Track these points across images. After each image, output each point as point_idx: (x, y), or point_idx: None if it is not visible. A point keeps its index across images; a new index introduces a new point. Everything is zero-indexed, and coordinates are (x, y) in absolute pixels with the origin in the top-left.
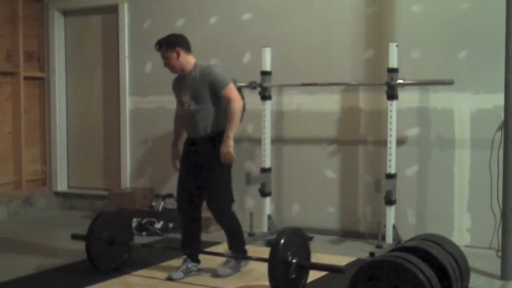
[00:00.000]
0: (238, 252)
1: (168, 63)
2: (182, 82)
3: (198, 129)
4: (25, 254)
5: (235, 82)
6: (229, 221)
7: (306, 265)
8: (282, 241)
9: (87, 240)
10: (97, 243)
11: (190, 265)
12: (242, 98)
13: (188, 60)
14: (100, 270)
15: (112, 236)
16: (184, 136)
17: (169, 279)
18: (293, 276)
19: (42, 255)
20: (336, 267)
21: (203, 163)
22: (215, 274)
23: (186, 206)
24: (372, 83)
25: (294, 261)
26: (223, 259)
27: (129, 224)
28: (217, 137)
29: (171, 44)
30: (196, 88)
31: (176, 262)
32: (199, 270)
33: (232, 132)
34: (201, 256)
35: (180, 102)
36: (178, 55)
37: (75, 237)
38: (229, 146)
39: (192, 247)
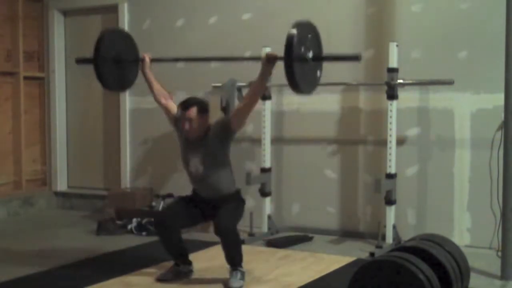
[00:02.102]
0: (236, 265)
1: (192, 127)
2: (190, 139)
3: (209, 193)
4: (25, 254)
5: (234, 82)
6: (234, 238)
7: (322, 57)
8: (296, 33)
9: (94, 61)
10: (104, 63)
11: (181, 266)
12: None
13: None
14: (109, 89)
15: (119, 55)
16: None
17: (158, 280)
18: (309, 70)
19: (42, 255)
20: (351, 55)
21: (217, 207)
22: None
23: (174, 217)
24: (372, 83)
25: (309, 54)
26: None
27: (135, 43)
28: (230, 196)
29: (206, 109)
30: (208, 151)
31: None
32: (191, 271)
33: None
34: (200, 257)
35: (184, 161)
36: (206, 121)
37: (80, 61)
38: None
39: (179, 252)
